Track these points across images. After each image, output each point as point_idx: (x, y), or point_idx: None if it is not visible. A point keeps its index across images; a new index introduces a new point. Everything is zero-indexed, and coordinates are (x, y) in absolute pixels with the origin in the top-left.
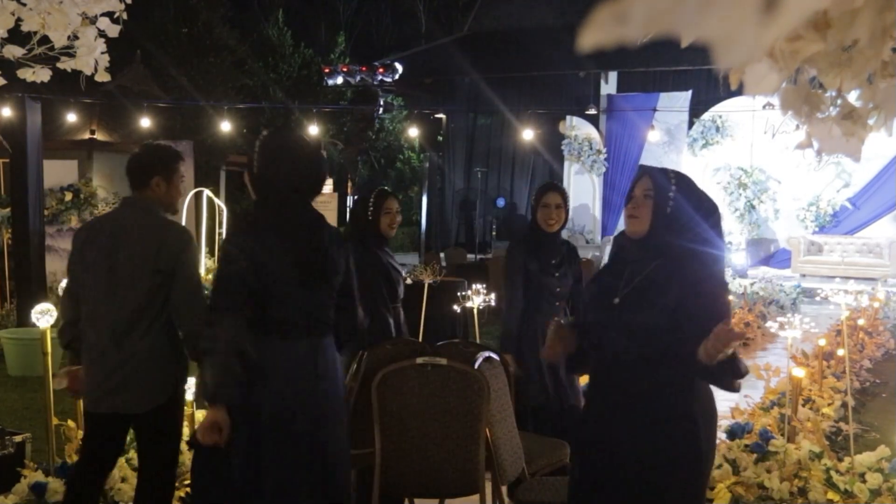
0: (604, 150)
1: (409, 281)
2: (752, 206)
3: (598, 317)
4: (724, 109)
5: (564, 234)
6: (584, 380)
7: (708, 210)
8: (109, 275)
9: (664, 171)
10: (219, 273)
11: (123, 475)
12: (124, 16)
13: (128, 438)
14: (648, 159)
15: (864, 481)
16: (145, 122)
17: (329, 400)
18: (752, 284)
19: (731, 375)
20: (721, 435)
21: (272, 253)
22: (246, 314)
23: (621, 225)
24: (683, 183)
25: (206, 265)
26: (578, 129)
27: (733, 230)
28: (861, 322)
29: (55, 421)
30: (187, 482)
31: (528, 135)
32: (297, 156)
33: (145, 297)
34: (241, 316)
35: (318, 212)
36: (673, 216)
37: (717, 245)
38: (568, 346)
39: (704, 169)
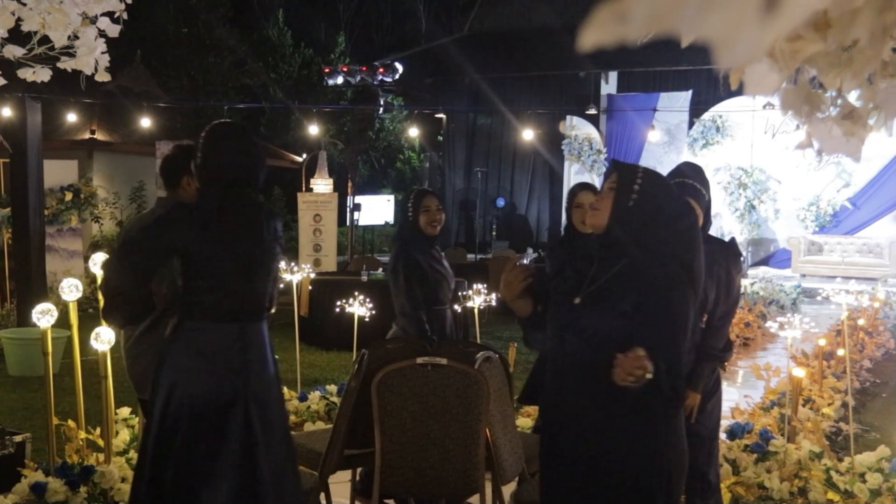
0: (604, 150)
1: None
2: (753, 206)
3: (558, 316)
4: (725, 109)
5: None
6: None
7: (680, 211)
8: None
9: (633, 166)
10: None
11: (123, 475)
12: (124, 16)
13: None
14: (648, 159)
15: (864, 481)
16: (145, 122)
17: (260, 383)
18: (752, 284)
19: (665, 403)
20: (721, 435)
21: (209, 239)
22: (145, 276)
23: None
24: (651, 180)
25: None
26: (578, 128)
27: (733, 230)
28: (861, 322)
29: (55, 421)
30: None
31: (528, 135)
32: (234, 147)
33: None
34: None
35: (258, 200)
36: (634, 211)
37: (691, 247)
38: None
39: (704, 169)
